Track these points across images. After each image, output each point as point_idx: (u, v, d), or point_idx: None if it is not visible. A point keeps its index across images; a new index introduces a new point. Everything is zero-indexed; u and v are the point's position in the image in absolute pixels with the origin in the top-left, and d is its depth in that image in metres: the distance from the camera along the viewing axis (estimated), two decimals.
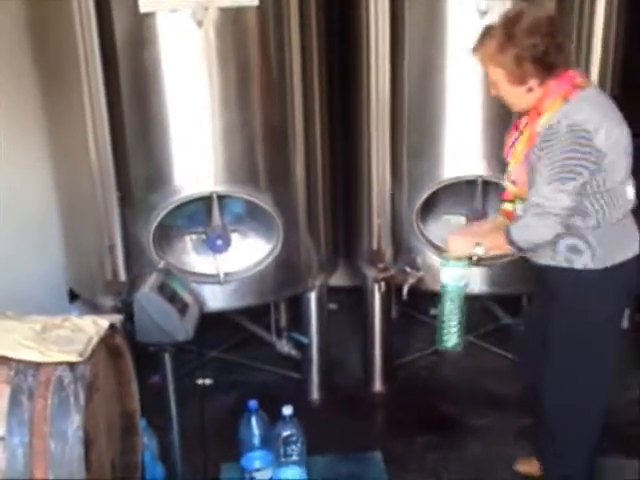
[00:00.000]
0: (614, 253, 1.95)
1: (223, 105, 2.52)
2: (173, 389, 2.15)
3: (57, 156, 2.82)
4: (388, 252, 2.91)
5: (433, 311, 3.21)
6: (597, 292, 1.95)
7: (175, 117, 2.50)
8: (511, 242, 1.95)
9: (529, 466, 2.50)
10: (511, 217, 2.05)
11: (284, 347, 3.19)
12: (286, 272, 2.82)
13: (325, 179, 2.92)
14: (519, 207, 2.01)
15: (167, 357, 2.15)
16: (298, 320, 3.09)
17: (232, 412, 2.73)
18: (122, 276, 2.63)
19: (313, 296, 2.99)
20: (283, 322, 3.41)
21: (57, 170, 2.84)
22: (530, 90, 1.91)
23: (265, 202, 2.66)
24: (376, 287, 3.00)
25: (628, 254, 1.95)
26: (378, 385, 3.18)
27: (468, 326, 2.21)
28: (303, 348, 3.08)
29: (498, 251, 2.07)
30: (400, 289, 2.73)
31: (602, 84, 2.58)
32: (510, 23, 1.89)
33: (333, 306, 3.27)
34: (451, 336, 2.09)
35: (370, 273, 3.00)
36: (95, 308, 2.66)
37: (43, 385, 1.31)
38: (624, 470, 2.56)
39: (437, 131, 2.66)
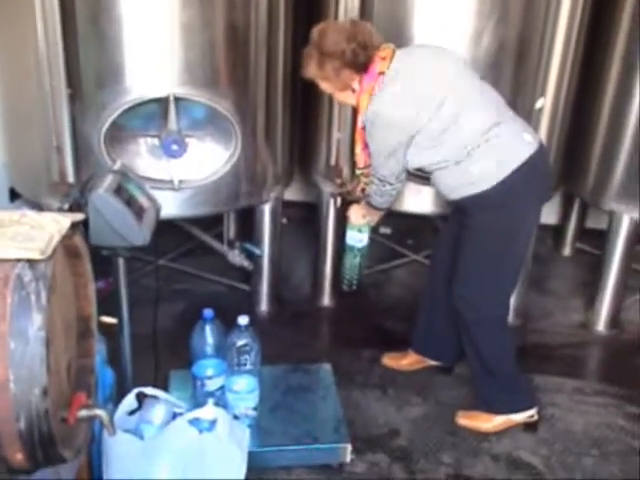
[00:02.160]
0: (496, 172, 2.14)
1: (183, 1, 2.43)
2: (125, 295, 2.10)
3: (1, 45, 2.67)
4: (346, 168, 2.89)
5: (383, 229, 3.67)
6: (502, 203, 2.15)
7: (130, 7, 2.38)
8: (377, 208, 2.38)
9: (395, 360, 2.76)
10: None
11: (236, 258, 3.14)
12: (242, 182, 2.80)
13: (286, 88, 2.85)
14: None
15: (121, 262, 2.08)
16: (248, 232, 3.09)
17: (180, 321, 2.82)
18: (70, 177, 2.55)
19: (268, 208, 2.97)
20: (232, 234, 3.42)
21: (0, 60, 2.69)
22: (354, 91, 2.16)
23: (224, 107, 2.59)
24: (331, 202, 3.02)
25: (512, 166, 2.12)
26: (327, 300, 3.22)
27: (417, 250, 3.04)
28: (254, 260, 3.07)
29: (377, 215, 2.45)
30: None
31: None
32: (319, 40, 2.11)
33: (284, 220, 3.25)
34: (352, 279, 2.53)
35: (326, 188, 3.02)
36: (39, 209, 2.44)
37: (1, 282, 1.25)
38: (561, 388, 2.70)
39: None
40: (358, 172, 2.41)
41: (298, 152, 3.18)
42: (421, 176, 2.49)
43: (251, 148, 2.75)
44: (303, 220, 3.42)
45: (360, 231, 2.48)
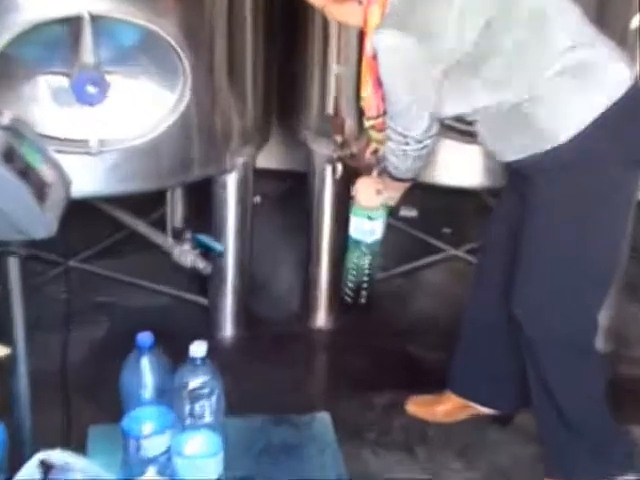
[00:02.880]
0: (573, 119, 2.20)
1: None
2: (22, 315, 2.09)
3: None
4: (349, 119, 2.91)
5: (405, 212, 3.80)
6: (583, 166, 2.21)
7: None
8: (397, 179, 2.44)
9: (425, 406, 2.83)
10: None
11: (185, 256, 3.20)
12: (194, 143, 2.86)
13: (258, 2, 2.92)
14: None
15: (13, 264, 2.02)
16: (203, 218, 3.15)
17: (102, 350, 2.91)
18: None
19: (232, 181, 3.02)
20: (179, 220, 3.49)
21: None
22: (360, 2, 2.24)
23: (166, 30, 2.61)
24: (329, 170, 3.05)
25: (596, 111, 2.17)
26: (322, 319, 3.31)
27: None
28: (213, 259, 3.13)
29: (398, 190, 2.51)
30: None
31: None
32: None
33: (257, 199, 3.37)
34: (359, 288, 2.61)
35: (320, 150, 3.06)
36: None
37: None
38: None
39: None
40: (367, 124, 2.46)
41: (278, 97, 3.24)
42: (462, 130, 2.57)
43: (207, 91, 2.79)
44: (286, 199, 3.58)
45: (371, 218, 2.52)
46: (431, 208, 3.87)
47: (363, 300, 2.64)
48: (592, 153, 2.20)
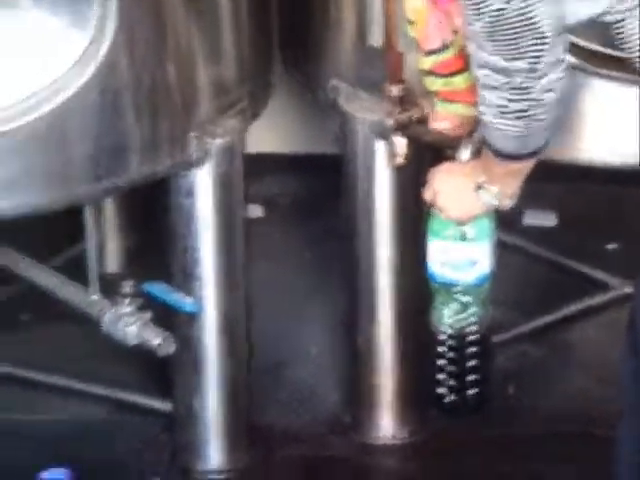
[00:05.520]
0: None
1: None
2: None
3: None
4: (413, 54, 2.41)
5: (533, 219, 3.30)
6: None
7: None
8: (507, 157, 1.93)
9: None
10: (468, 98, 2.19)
11: (127, 326, 2.50)
12: (126, 117, 2.37)
13: None
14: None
15: None
16: (155, 255, 2.66)
17: None
18: None
19: (205, 181, 2.48)
20: (109, 262, 3.10)
21: None
22: None
23: None
24: (380, 150, 2.51)
25: None
26: (388, 426, 2.66)
27: None
28: (179, 328, 2.56)
29: (514, 179, 1.99)
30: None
31: None
32: None
33: (257, 211, 3.15)
34: (449, 375, 2.13)
35: (362, 113, 2.57)
36: None
37: None
38: None
39: None
40: (425, 66, 2.22)
41: (282, 27, 2.85)
42: (625, 60, 2.01)
43: (146, 24, 2.36)
44: (305, 209, 3.23)
45: (466, 238, 2.08)
46: (582, 210, 3.28)
47: (471, 392, 2.09)
48: None
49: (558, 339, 3.01)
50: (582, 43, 2.27)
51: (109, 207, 3.14)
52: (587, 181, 2.88)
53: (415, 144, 2.41)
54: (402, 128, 2.39)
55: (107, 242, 3.17)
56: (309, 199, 3.22)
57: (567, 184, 2.87)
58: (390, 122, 2.40)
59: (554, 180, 2.55)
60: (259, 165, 2.82)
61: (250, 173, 2.63)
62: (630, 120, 2.12)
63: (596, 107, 2.45)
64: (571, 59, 1.98)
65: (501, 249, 2.16)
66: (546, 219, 3.32)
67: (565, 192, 3.04)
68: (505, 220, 2.23)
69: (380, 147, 2.49)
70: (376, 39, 2.53)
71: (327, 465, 2.66)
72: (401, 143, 2.39)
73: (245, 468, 2.64)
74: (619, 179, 2.80)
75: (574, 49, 2.12)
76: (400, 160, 2.41)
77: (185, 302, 2.50)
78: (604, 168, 2.58)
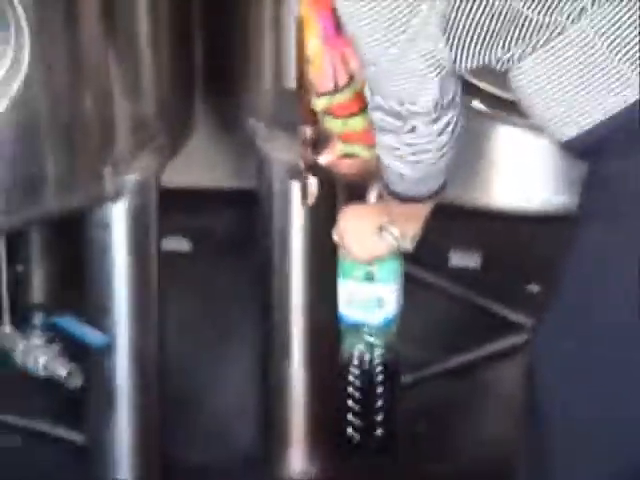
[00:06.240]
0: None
1: None
2: None
3: None
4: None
5: (458, 260, 3.39)
6: None
7: None
8: (412, 199, 1.98)
9: None
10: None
11: (36, 358, 2.55)
12: (41, 147, 2.35)
13: None
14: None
15: None
16: (69, 287, 2.79)
17: None
18: None
19: (121, 215, 2.51)
20: (21, 295, 3.01)
21: None
22: None
23: None
24: (294, 190, 2.52)
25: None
26: (297, 461, 2.68)
27: None
28: (90, 361, 2.57)
29: (416, 219, 2.06)
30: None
31: None
32: None
33: (184, 245, 3.21)
34: (356, 415, 2.16)
35: (279, 153, 2.60)
36: None
37: None
38: None
39: None
40: (320, 106, 2.13)
41: (204, 63, 2.88)
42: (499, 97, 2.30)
43: (63, 52, 2.34)
44: (236, 242, 3.17)
45: (372, 278, 2.11)
46: (507, 250, 3.30)
47: (379, 432, 2.09)
48: None
49: (474, 378, 3.00)
50: (490, 89, 2.29)
51: (26, 240, 3.12)
52: (513, 219, 2.83)
53: (329, 184, 2.37)
54: (313, 169, 2.28)
55: (34, 271, 3.15)
56: (238, 233, 3.19)
57: (492, 223, 2.85)
58: (301, 163, 2.33)
59: (479, 220, 2.54)
60: (188, 199, 2.90)
61: (179, 207, 2.69)
62: (537, 166, 2.23)
63: (505, 153, 2.50)
64: (479, 105, 2.16)
65: (426, 290, 2.27)
66: (471, 260, 3.34)
67: (490, 232, 3.02)
68: (431, 262, 2.31)
69: (295, 186, 2.48)
70: (291, 81, 2.43)
71: None
72: (312, 183, 2.30)
73: None
74: (544, 218, 2.79)
75: (482, 95, 2.24)
76: (312, 200, 2.32)
77: (94, 336, 2.51)
78: (515, 211, 2.60)
